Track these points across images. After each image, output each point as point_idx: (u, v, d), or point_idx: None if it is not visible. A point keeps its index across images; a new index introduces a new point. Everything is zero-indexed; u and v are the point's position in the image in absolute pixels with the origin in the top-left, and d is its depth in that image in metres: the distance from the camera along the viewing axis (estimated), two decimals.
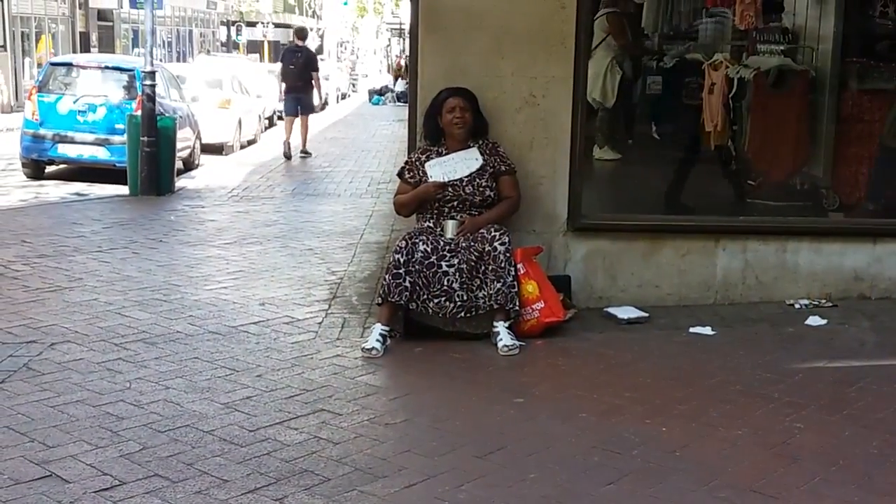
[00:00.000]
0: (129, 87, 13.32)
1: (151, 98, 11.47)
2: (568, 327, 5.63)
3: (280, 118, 25.38)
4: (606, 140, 8.41)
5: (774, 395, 4.66)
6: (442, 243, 5.43)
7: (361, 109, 32.76)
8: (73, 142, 13.08)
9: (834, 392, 4.73)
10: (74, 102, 13.20)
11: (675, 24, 9.23)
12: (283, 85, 16.35)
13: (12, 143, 14.71)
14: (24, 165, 13.44)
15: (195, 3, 45.12)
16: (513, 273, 5.36)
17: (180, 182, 12.41)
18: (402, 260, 5.32)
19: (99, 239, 8.54)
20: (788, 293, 6.19)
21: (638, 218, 6.45)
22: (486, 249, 5.37)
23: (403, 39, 50.71)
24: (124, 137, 12.00)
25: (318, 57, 19.03)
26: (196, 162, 14.95)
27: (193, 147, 14.81)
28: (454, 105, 5.61)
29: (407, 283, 5.31)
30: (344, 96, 40.24)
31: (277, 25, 53.72)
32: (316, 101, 16.78)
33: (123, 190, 11.67)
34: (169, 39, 41.31)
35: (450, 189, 5.56)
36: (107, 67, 13.98)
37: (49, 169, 13.57)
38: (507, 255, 5.35)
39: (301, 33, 17.79)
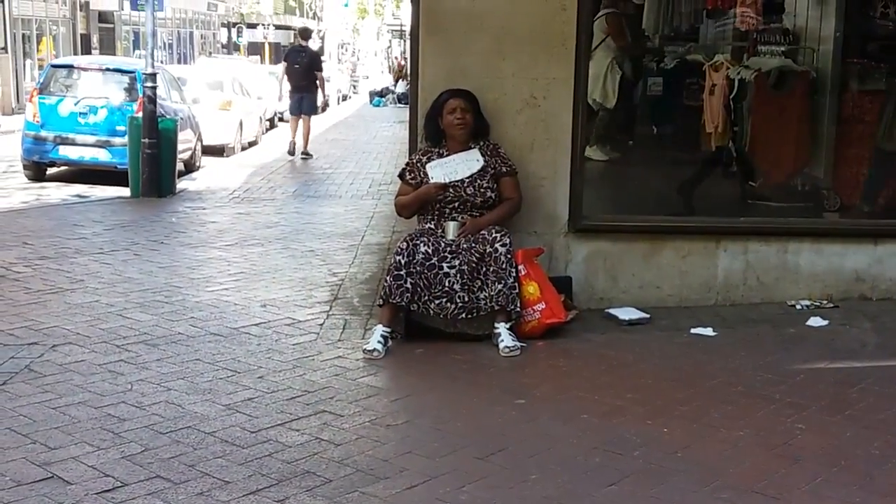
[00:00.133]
0: (130, 89, 13.34)
1: (152, 100, 11.48)
2: (569, 328, 5.63)
3: (281, 119, 25.55)
4: (597, 140, 8.39)
5: (776, 395, 4.66)
6: (443, 244, 5.43)
7: (362, 111, 32.77)
8: (74, 144, 13.09)
9: (835, 393, 4.73)
10: (75, 104, 13.21)
11: (675, 25, 9.23)
12: (287, 85, 16.45)
13: (13, 145, 14.71)
14: (25, 167, 13.45)
15: (196, 5, 45.17)
16: (514, 274, 5.36)
17: (181, 184, 12.42)
18: (403, 261, 5.32)
19: (100, 241, 8.55)
20: (789, 294, 6.19)
21: (639, 219, 6.45)
22: (488, 251, 5.37)
23: (404, 41, 50.73)
24: (125, 139, 12.02)
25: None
26: (197, 164, 14.96)
27: (194, 149, 14.82)
28: (455, 106, 5.61)
29: (408, 285, 5.31)
30: (345, 98, 40.25)
31: (278, 27, 53.77)
32: (320, 101, 16.86)
33: (124, 192, 11.68)
34: (170, 41, 41.36)
35: (451, 190, 5.57)
36: (108, 69, 13.99)
37: (50, 171, 13.58)
38: (509, 256, 5.36)
39: (304, 33, 17.93)
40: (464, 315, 5.37)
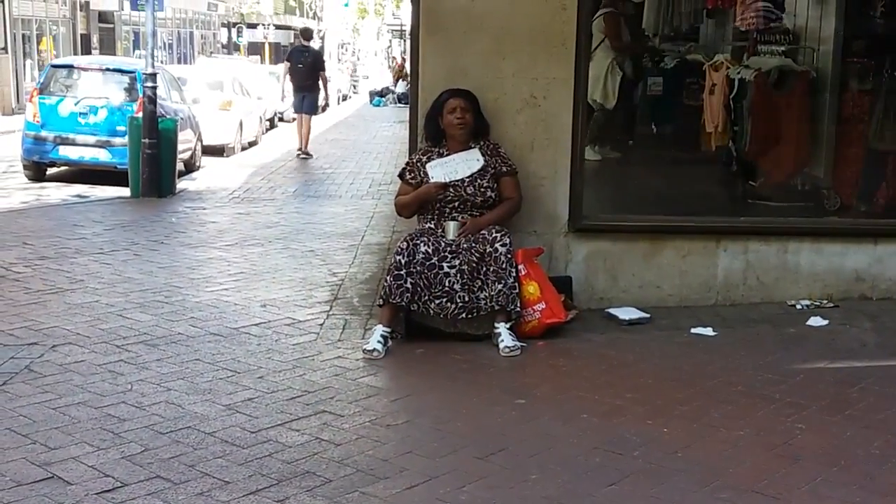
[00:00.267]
0: (131, 89, 13.33)
1: (152, 100, 11.47)
2: (569, 328, 5.63)
3: (281, 119, 25.59)
4: (593, 140, 8.39)
5: (776, 395, 4.66)
6: (443, 244, 5.43)
7: (362, 111, 32.76)
8: (74, 144, 13.08)
9: (835, 393, 4.73)
10: (76, 104, 13.21)
11: (675, 24, 9.24)
12: (290, 85, 16.64)
13: (13, 145, 14.71)
14: (25, 167, 13.44)
15: (196, 5, 45.16)
16: (514, 274, 5.36)
17: (181, 184, 12.42)
18: (403, 261, 5.32)
19: (100, 241, 8.55)
20: (790, 294, 6.19)
21: (639, 219, 6.45)
22: (488, 250, 5.37)
23: (404, 41, 50.72)
24: (125, 139, 12.01)
25: None
26: (197, 164, 14.96)
27: (194, 149, 14.82)
28: (455, 106, 5.61)
29: (408, 285, 5.31)
30: (345, 98, 40.24)
31: (278, 27, 53.76)
32: (322, 100, 16.99)
33: (125, 192, 11.68)
34: (170, 41, 41.35)
35: (451, 190, 5.57)
36: (108, 69, 13.98)
37: (50, 171, 13.58)
38: (509, 256, 5.36)
39: (306, 33, 18.12)
40: (464, 315, 5.37)
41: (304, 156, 16.12)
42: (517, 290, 5.35)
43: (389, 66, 48.27)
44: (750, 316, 5.99)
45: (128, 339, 5.50)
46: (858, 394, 4.71)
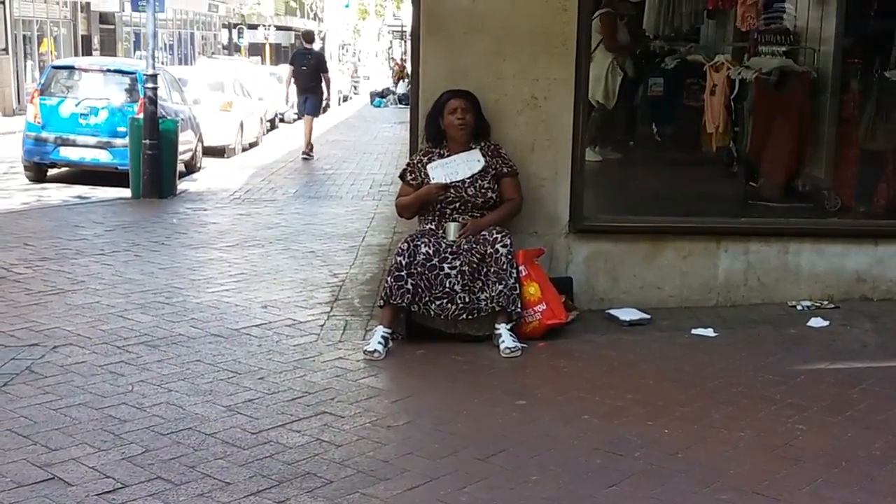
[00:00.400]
0: (131, 90, 13.34)
1: (153, 101, 11.47)
2: (570, 329, 5.63)
3: (282, 120, 25.62)
4: (593, 141, 8.39)
5: (776, 396, 4.66)
6: (444, 245, 5.43)
7: (363, 112, 32.77)
8: (75, 145, 13.09)
9: (836, 393, 4.73)
10: (76, 105, 13.21)
11: (676, 25, 9.24)
12: (294, 88, 16.84)
13: (14, 146, 14.71)
14: (26, 168, 13.45)
15: (197, 6, 45.15)
16: (514, 275, 5.36)
17: (182, 185, 12.42)
18: (403, 262, 5.32)
19: (101, 242, 8.55)
20: (790, 295, 6.18)
21: (640, 220, 6.45)
22: (488, 251, 5.37)
23: (405, 42, 50.72)
24: (126, 140, 12.02)
25: None
26: (198, 165, 14.96)
27: (195, 150, 14.83)
28: (456, 106, 5.61)
29: (409, 286, 5.31)
30: (345, 99, 40.25)
31: (279, 28, 53.76)
32: (323, 101, 17.12)
33: (125, 193, 11.68)
34: (171, 42, 41.35)
35: (452, 191, 5.57)
36: (109, 70, 13.99)
37: (51, 172, 13.58)
38: (509, 256, 5.36)
39: (308, 36, 18.42)
40: (464, 316, 5.37)
41: (305, 156, 16.14)
42: (518, 291, 5.35)
43: (391, 68, 48.23)
44: (751, 317, 5.99)
45: (129, 340, 5.50)
46: (859, 395, 4.71)
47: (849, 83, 7.64)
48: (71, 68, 14.34)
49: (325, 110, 19.40)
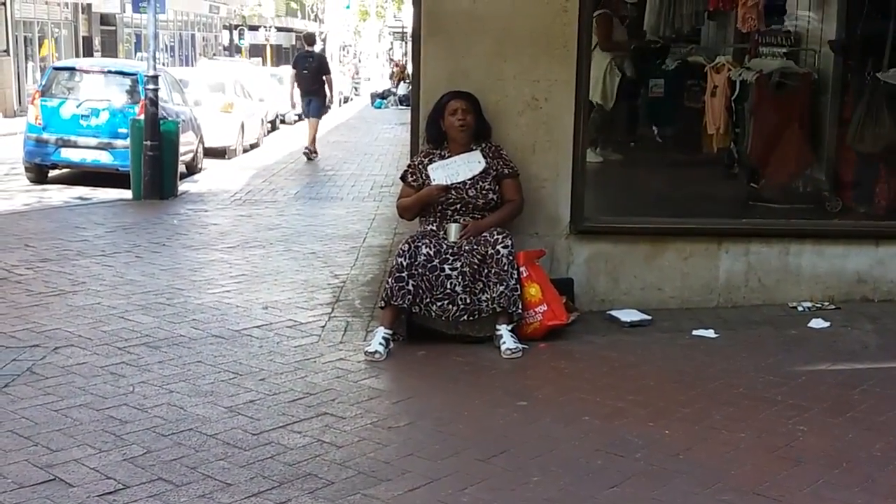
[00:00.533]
0: (132, 92, 13.35)
1: (154, 102, 11.48)
2: (571, 330, 5.63)
3: (283, 122, 25.63)
4: (593, 142, 8.37)
5: (777, 397, 4.66)
6: (445, 246, 5.43)
7: (364, 113, 32.79)
8: (76, 146, 13.10)
9: (837, 394, 4.73)
10: (77, 107, 13.22)
11: (677, 26, 9.24)
12: (297, 90, 16.91)
13: (15, 147, 14.72)
14: (27, 170, 13.45)
15: (198, 7, 45.16)
16: (515, 276, 5.36)
17: (183, 186, 12.43)
18: (404, 263, 5.32)
19: (102, 243, 8.55)
20: (791, 296, 6.18)
21: (640, 221, 6.45)
22: (489, 252, 5.37)
23: (405, 43, 50.71)
24: (127, 141, 12.02)
25: None
26: (199, 166, 14.97)
27: (196, 151, 14.83)
28: (456, 107, 5.62)
29: (410, 287, 5.31)
30: (346, 100, 40.25)
31: (280, 29, 53.78)
32: (326, 102, 17.20)
33: (126, 194, 11.69)
34: (172, 44, 41.37)
35: (452, 192, 5.57)
36: (110, 72, 14.00)
37: (52, 173, 13.58)
38: (510, 258, 5.36)
39: (310, 39, 18.56)
40: (465, 317, 5.37)
41: (307, 151, 16.29)
42: (519, 292, 5.35)
43: (391, 70, 48.25)
44: (751, 318, 5.99)
45: (130, 342, 5.50)
46: (860, 396, 4.71)
47: (849, 84, 7.64)
48: (72, 69, 14.35)
49: (326, 111, 19.44)
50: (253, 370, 5.03)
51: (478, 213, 5.58)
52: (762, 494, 3.64)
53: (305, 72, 16.67)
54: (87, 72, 14.03)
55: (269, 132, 22.56)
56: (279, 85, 24.57)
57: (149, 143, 11.31)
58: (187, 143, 13.67)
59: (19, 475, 3.75)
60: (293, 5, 60.47)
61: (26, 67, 28.34)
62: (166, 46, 39.01)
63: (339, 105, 35.51)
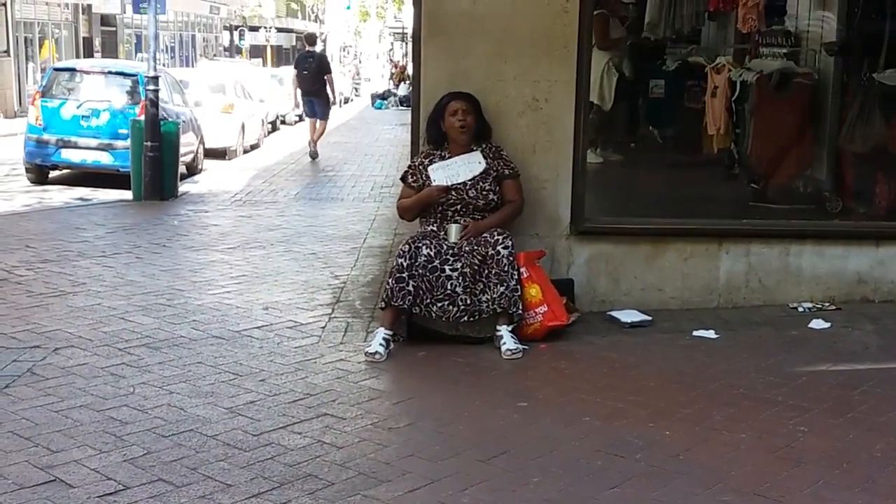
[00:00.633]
0: (133, 92, 13.34)
1: (155, 103, 11.48)
2: (571, 331, 5.63)
3: (283, 122, 25.63)
4: (593, 142, 8.35)
5: (778, 398, 4.66)
6: (445, 247, 5.43)
7: (364, 113, 32.79)
8: (76, 147, 13.10)
9: (838, 395, 4.73)
10: (78, 107, 13.22)
11: (677, 27, 9.23)
12: (299, 90, 16.93)
13: (16, 148, 14.73)
14: (27, 170, 13.45)
15: (198, 8, 45.16)
16: (516, 277, 5.36)
17: (183, 187, 12.43)
18: (405, 264, 5.32)
19: (102, 244, 8.55)
20: (792, 296, 6.18)
21: (641, 221, 6.44)
22: (490, 253, 5.37)
23: (406, 44, 50.70)
24: (128, 142, 12.02)
25: None
26: (199, 167, 14.96)
27: (197, 152, 14.83)
28: (457, 108, 5.62)
29: (410, 288, 5.31)
30: (347, 100, 40.24)
31: (280, 30, 53.78)
32: (331, 102, 17.29)
33: (127, 195, 11.68)
34: (172, 44, 41.36)
35: (453, 193, 5.57)
36: (110, 72, 13.99)
37: (53, 174, 13.58)
38: (511, 258, 5.36)
39: (310, 39, 18.58)
40: (466, 318, 5.37)
41: (311, 145, 16.35)
42: (519, 293, 5.35)
43: (391, 71, 48.26)
44: (752, 318, 5.99)
45: (130, 343, 5.50)
46: (861, 396, 4.71)
47: (850, 85, 7.64)
48: (72, 70, 14.34)
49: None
50: (253, 371, 5.03)
51: (478, 214, 5.58)
52: (763, 495, 3.63)
53: (306, 72, 16.69)
54: (87, 73, 14.03)
55: (269, 133, 22.56)
56: (279, 86, 24.59)
57: (149, 143, 11.31)
58: (188, 144, 13.67)
59: (20, 476, 3.75)
60: (293, 6, 60.51)
61: (27, 68, 28.33)
62: (167, 47, 39.01)
63: (340, 106, 35.50)
